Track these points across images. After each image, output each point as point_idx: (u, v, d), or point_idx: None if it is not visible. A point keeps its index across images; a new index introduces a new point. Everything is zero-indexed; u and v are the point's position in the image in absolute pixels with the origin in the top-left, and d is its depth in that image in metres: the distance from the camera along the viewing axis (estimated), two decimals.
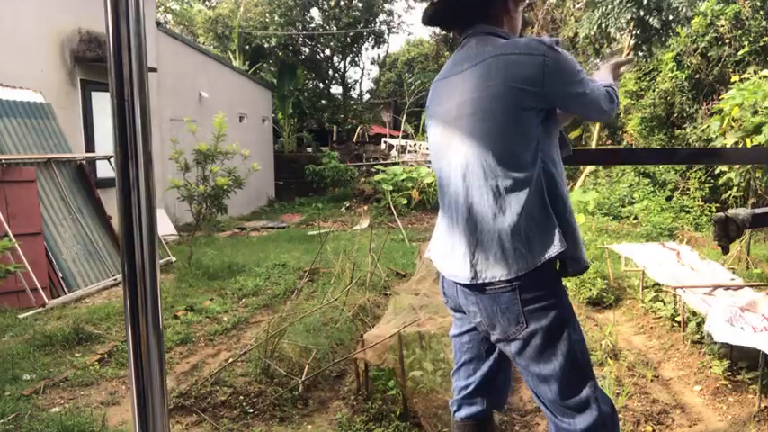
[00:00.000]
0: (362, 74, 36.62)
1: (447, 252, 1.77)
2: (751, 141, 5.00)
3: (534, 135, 1.63)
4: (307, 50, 21.43)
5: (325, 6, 20.38)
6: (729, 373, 3.45)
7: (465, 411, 1.94)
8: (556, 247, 1.59)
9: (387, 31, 22.14)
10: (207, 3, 23.24)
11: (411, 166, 14.19)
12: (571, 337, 1.63)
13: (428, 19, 1.83)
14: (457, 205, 1.72)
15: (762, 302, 3.43)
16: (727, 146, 5.12)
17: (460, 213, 1.71)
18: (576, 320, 1.68)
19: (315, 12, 20.94)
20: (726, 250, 2.01)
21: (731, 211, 1.95)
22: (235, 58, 18.07)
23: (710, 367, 3.55)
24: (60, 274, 5.60)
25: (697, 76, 9.94)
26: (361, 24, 20.86)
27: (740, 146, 5.04)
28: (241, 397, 3.27)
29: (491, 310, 1.65)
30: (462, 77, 1.70)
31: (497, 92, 1.61)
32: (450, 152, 1.73)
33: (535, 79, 1.59)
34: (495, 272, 1.63)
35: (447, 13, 1.79)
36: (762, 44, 9.00)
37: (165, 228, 8.77)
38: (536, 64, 1.58)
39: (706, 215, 8.84)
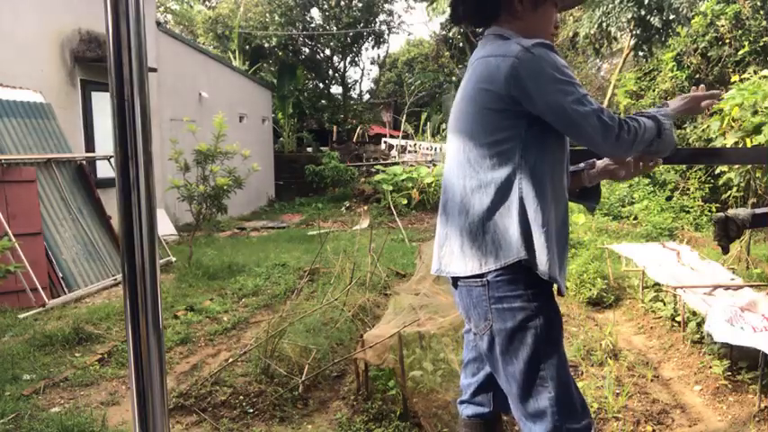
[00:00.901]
0: (362, 74, 36.61)
1: None
2: (751, 141, 4.99)
3: (509, 139, 1.60)
4: (307, 50, 21.43)
5: (325, 6, 20.38)
6: (729, 373, 3.44)
7: (471, 410, 1.95)
8: (513, 256, 1.57)
9: (387, 31, 22.15)
10: (207, 3, 23.23)
11: (411, 166, 14.19)
12: (536, 344, 1.60)
13: (454, 18, 1.85)
14: (441, 198, 1.81)
15: (762, 302, 3.43)
16: (727, 146, 5.12)
17: (440, 206, 1.80)
18: (553, 329, 1.64)
19: (315, 12, 20.95)
20: (726, 250, 2.01)
21: (731, 211, 1.95)
22: (235, 58, 18.07)
23: (710, 367, 3.55)
24: (60, 274, 5.60)
25: (697, 76, 9.93)
26: (361, 24, 20.86)
27: (740, 146, 5.03)
28: (241, 397, 3.27)
29: (466, 302, 1.70)
30: (464, 79, 1.75)
31: (470, 93, 1.66)
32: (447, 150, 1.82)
33: (500, 80, 1.56)
34: (454, 267, 1.70)
35: (467, 13, 1.79)
36: (762, 44, 8.99)
37: (165, 228, 8.77)
38: (506, 65, 1.55)
39: (706, 215, 8.83)
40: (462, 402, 1.98)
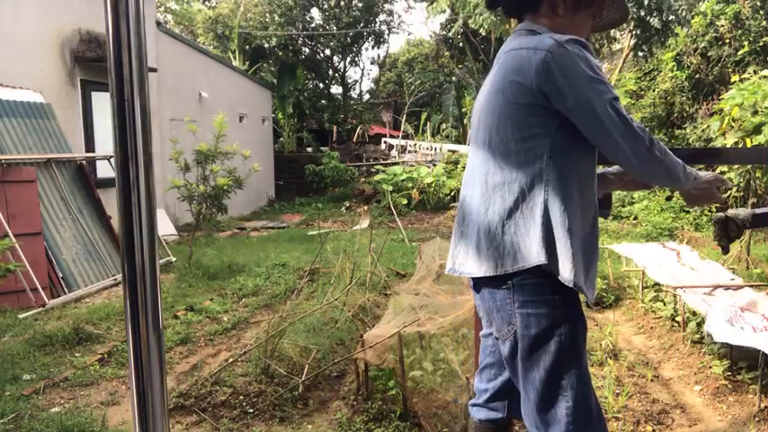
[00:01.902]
0: (362, 74, 36.67)
1: None
2: (751, 141, 5.00)
3: (537, 136, 1.54)
4: (307, 50, 21.44)
5: (325, 6, 20.39)
6: (729, 373, 3.45)
7: (484, 414, 1.91)
8: (532, 261, 1.51)
9: (387, 31, 22.17)
10: (207, 3, 23.24)
11: (411, 166, 14.19)
12: (559, 353, 1.55)
13: (490, 2, 1.81)
14: (461, 195, 1.76)
15: (762, 302, 3.43)
16: (727, 146, 5.12)
17: (459, 203, 1.75)
18: (578, 338, 1.59)
19: (315, 12, 20.96)
20: (726, 250, 2.00)
21: (731, 211, 1.94)
22: (235, 58, 18.08)
23: (710, 367, 3.55)
24: (60, 274, 5.60)
25: (697, 76, 9.94)
26: (361, 24, 20.86)
27: (740, 146, 5.04)
28: (241, 397, 3.27)
29: (489, 305, 1.65)
30: (491, 73, 1.71)
31: (500, 85, 1.59)
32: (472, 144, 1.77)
33: (531, 73, 1.50)
34: (468, 267, 1.64)
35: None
36: (762, 44, 9.00)
37: (165, 228, 8.77)
38: (537, 59, 1.50)
39: (706, 215, 8.84)
40: (475, 405, 1.94)
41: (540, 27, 1.63)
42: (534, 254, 1.52)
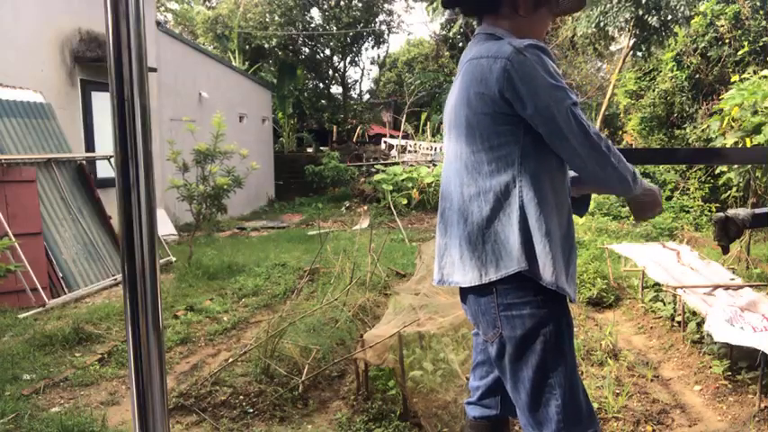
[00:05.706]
0: (362, 74, 36.69)
1: None
2: (751, 141, 5.00)
3: (507, 144, 1.55)
4: (307, 50, 21.43)
5: (325, 6, 20.38)
6: (729, 373, 3.45)
7: (478, 411, 1.93)
8: (513, 266, 1.53)
9: (387, 31, 22.15)
10: (207, 3, 23.23)
11: (411, 166, 14.19)
12: (545, 351, 1.57)
13: (446, 1, 1.80)
14: (439, 207, 1.77)
15: (762, 302, 3.43)
16: (727, 146, 5.13)
17: (438, 215, 1.76)
18: (563, 335, 1.60)
19: (315, 12, 20.95)
20: (726, 250, 2.00)
21: (731, 211, 1.94)
22: (235, 58, 18.08)
23: (710, 367, 3.55)
24: (60, 274, 5.60)
25: (697, 76, 9.94)
26: (361, 24, 20.86)
27: (740, 146, 5.04)
28: (241, 397, 3.27)
29: (474, 309, 1.68)
30: (456, 81, 1.71)
31: (464, 96, 1.61)
32: (445, 154, 1.77)
33: (492, 82, 1.51)
34: (455, 277, 1.67)
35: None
36: (762, 44, 9.00)
37: (165, 228, 8.77)
38: (498, 68, 1.50)
39: (706, 215, 8.84)
40: (470, 404, 1.96)
41: (500, 30, 1.63)
42: (515, 260, 1.54)
